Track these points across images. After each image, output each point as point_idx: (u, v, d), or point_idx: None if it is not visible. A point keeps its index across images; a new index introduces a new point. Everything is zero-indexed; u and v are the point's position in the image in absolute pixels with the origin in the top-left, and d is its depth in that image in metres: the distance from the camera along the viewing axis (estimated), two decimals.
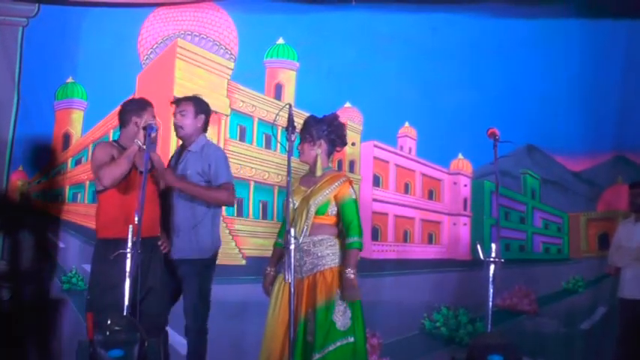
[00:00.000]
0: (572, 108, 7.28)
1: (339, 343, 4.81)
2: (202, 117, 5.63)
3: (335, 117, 5.24)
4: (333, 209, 5.04)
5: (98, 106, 7.22)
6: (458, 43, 7.31)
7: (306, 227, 5.00)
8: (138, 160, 5.05)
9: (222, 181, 5.50)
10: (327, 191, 5.03)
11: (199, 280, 5.46)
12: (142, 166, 4.81)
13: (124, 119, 5.36)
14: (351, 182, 5.15)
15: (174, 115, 5.61)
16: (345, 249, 4.97)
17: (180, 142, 5.70)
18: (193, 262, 5.45)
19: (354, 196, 5.08)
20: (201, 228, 5.49)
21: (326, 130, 5.13)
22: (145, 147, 4.91)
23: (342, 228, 5.06)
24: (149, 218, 5.01)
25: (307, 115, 5.26)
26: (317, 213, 5.01)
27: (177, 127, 5.59)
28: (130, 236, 4.40)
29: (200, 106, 5.64)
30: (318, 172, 5.12)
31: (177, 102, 5.65)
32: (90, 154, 7.07)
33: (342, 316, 4.86)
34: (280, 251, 5.06)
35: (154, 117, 5.29)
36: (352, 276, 4.86)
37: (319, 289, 4.89)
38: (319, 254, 4.97)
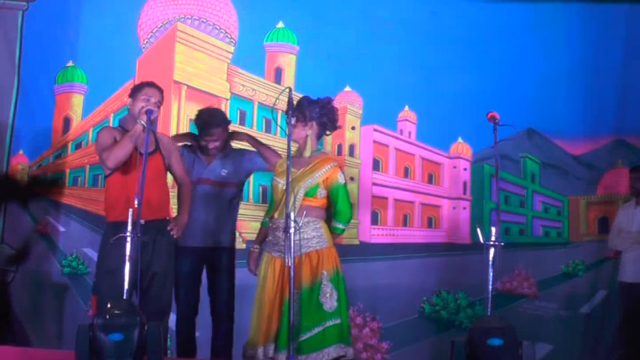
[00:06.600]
0: (572, 91, 7.28)
1: (327, 324, 4.81)
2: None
3: (328, 100, 5.16)
4: (322, 192, 4.96)
5: (98, 90, 7.22)
6: (458, 27, 7.30)
7: (294, 209, 4.95)
8: (140, 142, 5.02)
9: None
10: (317, 174, 4.95)
11: (232, 268, 5.65)
12: (142, 148, 4.81)
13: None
14: (341, 167, 5.10)
15: (207, 141, 5.57)
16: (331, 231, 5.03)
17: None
18: (230, 251, 5.65)
19: (343, 181, 5.02)
20: (234, 217, 5.71)
21: (318, 113, 5.05)
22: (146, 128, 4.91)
23: (332, 212, 5.06)
24: (156, 200, 5.00)
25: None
26: (306, 195, 4.97)
27: (208, 149, 5.59)
28: (130, 219, 4.34)
29: (227, 126, 5.73)
30: (307, 153, 5.05)
31: (210, 131, 5.57)
32: (90, 137, 7.11)
33: (329, 298, 4.85)
34: (265, 230, 5.10)
35: (152, 96, 5.11)
36: None
37: (304, 271, 4.85)
38: (305, 236, 4.93)
